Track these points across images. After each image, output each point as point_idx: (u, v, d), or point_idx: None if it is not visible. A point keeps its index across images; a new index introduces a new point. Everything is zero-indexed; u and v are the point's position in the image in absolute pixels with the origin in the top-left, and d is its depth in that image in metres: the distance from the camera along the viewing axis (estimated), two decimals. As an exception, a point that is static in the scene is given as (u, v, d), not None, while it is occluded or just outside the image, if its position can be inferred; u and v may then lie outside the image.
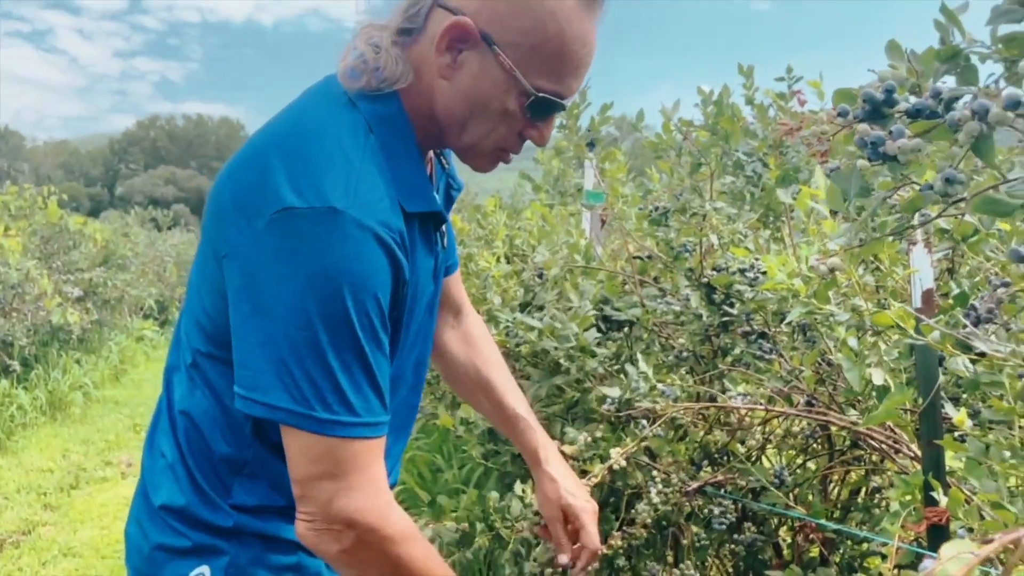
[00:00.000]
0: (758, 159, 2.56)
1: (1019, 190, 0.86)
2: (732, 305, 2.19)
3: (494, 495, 1.98)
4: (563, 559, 1.42)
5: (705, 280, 2.19)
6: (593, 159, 2.72)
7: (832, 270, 1.04)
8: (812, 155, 2.25)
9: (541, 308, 2.48)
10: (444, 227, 1.19)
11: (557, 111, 1.10)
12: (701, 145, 2.27)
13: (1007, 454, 1.28)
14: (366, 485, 1.01)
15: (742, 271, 2.08)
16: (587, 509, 1.42)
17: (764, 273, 2.05)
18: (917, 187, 0.93)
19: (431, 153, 1.22)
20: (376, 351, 1.00)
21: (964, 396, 1.70)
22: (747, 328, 2.10)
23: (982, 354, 0.98)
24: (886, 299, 1.88)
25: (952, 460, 1.61)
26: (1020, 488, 1.56)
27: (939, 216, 0.93)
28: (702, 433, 1.98)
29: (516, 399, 1.49)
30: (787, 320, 1.88)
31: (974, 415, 1.55)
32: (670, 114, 2.51)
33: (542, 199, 4.01)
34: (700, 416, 1.97)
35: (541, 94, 1.05)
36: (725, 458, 1.99)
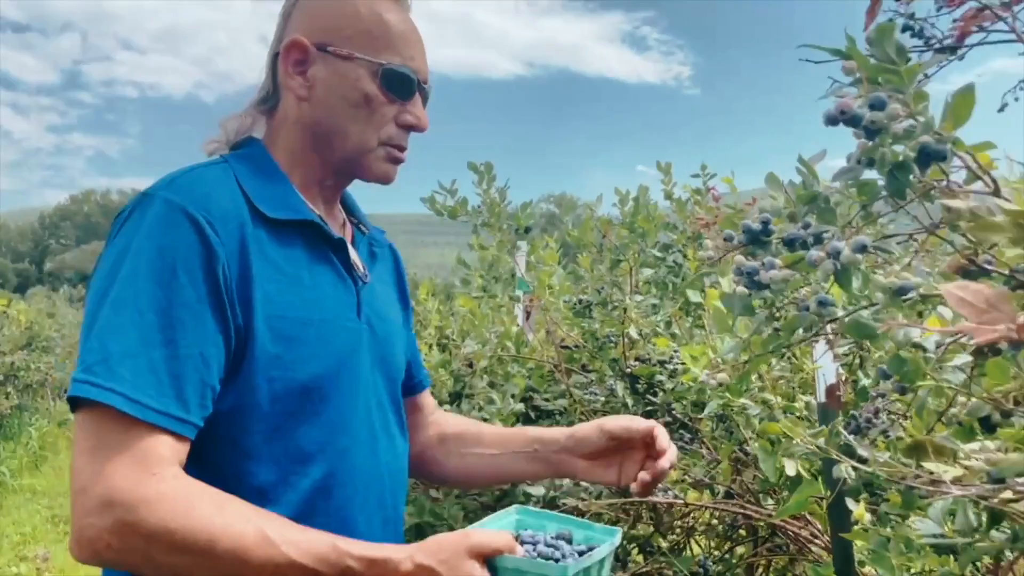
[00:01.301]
0: (678, 250, 2.67)
1: (882, 316, 0.94)
2: (656, 395, 2.26)
3: None
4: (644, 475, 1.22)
5: (628, 371, 2.26)
6: (521, 248, 2.80)
7: (720, 384, 1.09)
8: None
9: (471, 397, 2.51)
10: (358, 257, 1.23)
11: (412, 86, 1.16)
12: (621, 240, 2.37)
13: (903, 547, 1.34)
14: (126, 460, 0.91)
15: (662, 363, 2.15)
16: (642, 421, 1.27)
17: (683, 364, 2.13)
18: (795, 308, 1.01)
19: (343, 217, 1.27)
20: (192, 323, 0.97)
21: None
22: (668, 419, 2.16)
23: (864, 460, 1.05)
24: (796, 390, 1.96)
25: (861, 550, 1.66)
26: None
27: (812, 336, 1.00)
28: (626, 527, 2.01)
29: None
30: (705, 412, 1.94)
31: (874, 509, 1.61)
32: (594, 209, 2.62)
33: (478, 283, 4.06)
34: (623, 510, 2.00)
35: (387, 65, 1.13)
36: (649, 549, 2.02)
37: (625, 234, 2.39)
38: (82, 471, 0.91)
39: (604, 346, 2.29)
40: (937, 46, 1.04)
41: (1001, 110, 1.08)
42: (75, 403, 0.94)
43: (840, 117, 0.72)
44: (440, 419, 1.49)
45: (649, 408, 2.23)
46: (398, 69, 1.14)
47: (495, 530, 1.04)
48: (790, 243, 0.96)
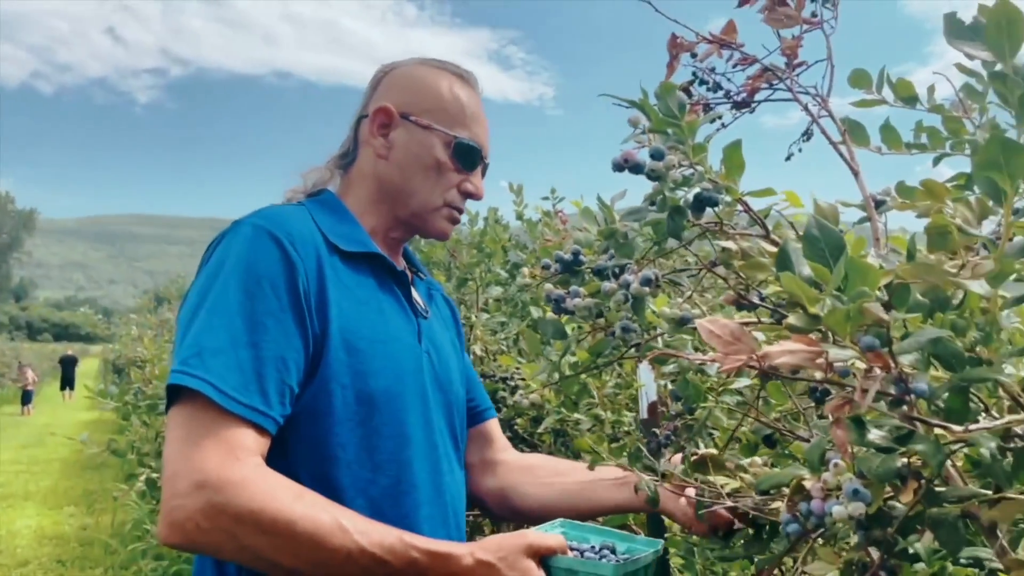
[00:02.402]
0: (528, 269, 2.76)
1: (676, 342, 1.03)
2: (499, 411, 2.33)
3: None
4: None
5: (473, 387, 2.31)
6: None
7: (533, 404, 1.16)
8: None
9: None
10: (419, 295, 1.35)
11: (478, 159, 1.31)
12: (470, 259, 2.43)
13: (708, 553, 1.46)
14: (214, 446, 0.98)
15: (504, 379, 2.22)
16: None
17: (524, 380, 2.21)
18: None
19: (405, 265, 1.38)
20: (275, 329, 1.06)
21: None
22: (510, 434, 2.23)
23: (664, 474, 1.15)
24: (626, 406, 2.08)
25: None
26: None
27: (619, 359, 1.09)
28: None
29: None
30: (541, 427, 2.03)
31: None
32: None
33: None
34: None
35: (460, 139, 1.28)
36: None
37: (474, 254, 2.45)
38: (173, 458, 0.99)
39: (451, 362, 2.34)
40: (735, 100, 1.16)
41: (788, 159, 1.21)
42: (172, 395, 1.02)
43: (624, 164, 0.80)
44: (519, 455, 1.52)
45: (492, 423, 2.30)
46: (467, 143, 1.29)
47: (549, 532, 1.11)
48: (599, 273, 1.05)
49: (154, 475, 5.14)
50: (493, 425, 1.52)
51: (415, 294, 1.34)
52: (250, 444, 1.02)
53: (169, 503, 0.97)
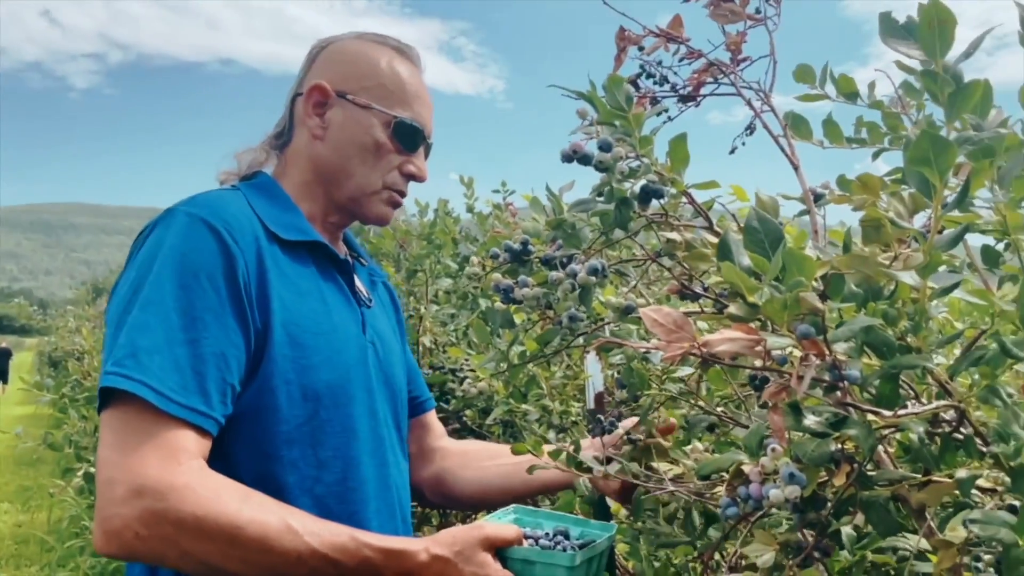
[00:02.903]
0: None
1: (623, 330, 1.05)
2: (448, 402, 2.33)
3: None
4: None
5: (422, 378, 2.31)
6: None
7: (481, 393, 1.17)
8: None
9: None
10: (361, 283, 1.31)
11: (420, 140, 1.26)
12: (420, 250, 2.42)
13: (653, 539, 1.48)
14: (153, 451, 0.94)
15: (453, 371, 2.22)
16: None
17: (473, 371, 2.22)
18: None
19: (346, 251, 1.33)
20: (214, 324, 1.02)
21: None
22: (458, 425, 2.24)
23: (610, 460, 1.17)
24: (574, 396, 2.11)
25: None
26: (681, 563, 1.80)
27: (567, 347, 1.10)
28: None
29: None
30: (490, 418, 2.04)
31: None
32: (396, 217, 2.65)
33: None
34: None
35: (399, 118, 1.23)
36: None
37: (423, 245, 2.45)
38: (108, 464, 0.94)
39: (399, 354, 2.33)
40: (681, 93, 1.18)
41: (732, 152, 1.23)
42: (105, 397, 0.98)
43: (573, 155, 0.81)
44: (456, 441, 1.51)
45: (441, 415, 2.30)
46: (408, 123, 1.24)
47: (504, 523, 1.09)
48: (546, 262, 1.06)
49: (92, 470, 5.01)
50: (432, 414, 1.51)
51: (358, 282, 1.30)
52: (191, 447, 0.97)
53: (105, 511, 0.92)
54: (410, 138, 1.25)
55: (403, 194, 1.30)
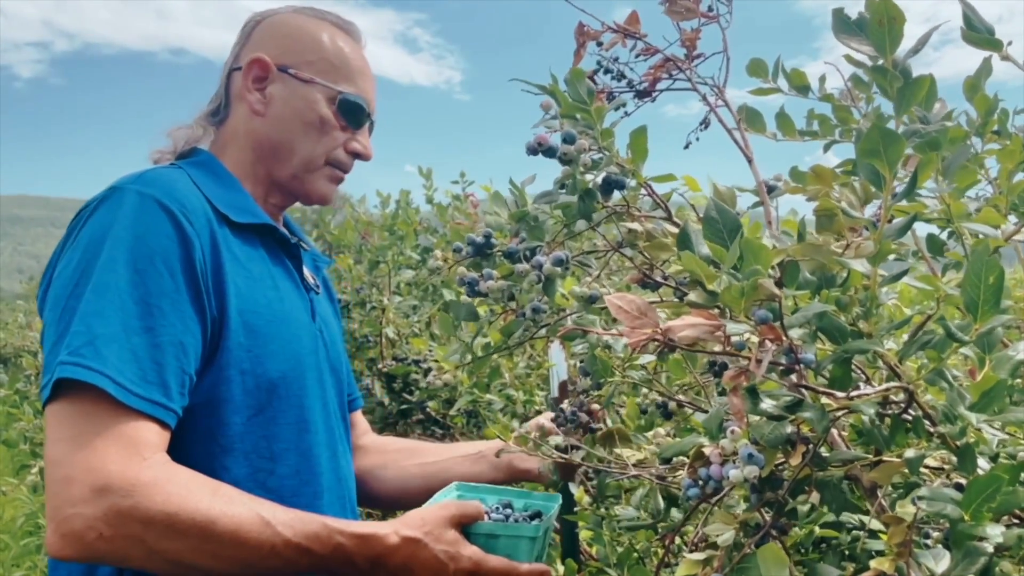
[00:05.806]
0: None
1: (586, 319, 1.07)
2: (412, 393, 2.34)
3: None
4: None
5: (385, 370, 2.32)
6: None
7: (445, 384, 1.18)
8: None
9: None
10: (307, 269, 1.27)
11: (365, 116, 1.23)
12: (381, 242, 2.42)
13: (615, 525, 1.51)
14: (114, 446, 0.89)
15: (417, 362, 2.23)
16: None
17: (436, 362, 2.23)
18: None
19: (286, 231, 1.27)
20: (172, 312, 0.98)
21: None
22: (422, 416, 2.25)
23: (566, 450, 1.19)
24: (538, 385, 2.13)
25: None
26: (643, 547, 1.84)
27: (530, 339, 1.12)
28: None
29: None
30: (453, 409, 2.05)
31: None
32: (356, 209, 2.65)
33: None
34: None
35: (344, 93, 1.20)
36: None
37: (385, 236, 2.44)
38: (63, 461, 0.88)
39: (362, 346, 2.33)
40: (638, 89, 1.20)
41: (686, 147, 1.26)
42: (58, 389, 0.92)
43: (538, 148, 0.83)
44: (377, 438, 1.49)
45: (405, 406, 2.31)
46: (353, 99, 1.21)
47: (467, 501, 1.11)
48: (510, 255, 1.07)
49: (47, 467, 4.91)
50: (359, 414, 1.50)
51: (305, 268, 1.27)
52: (153, 440, 0.93)
53: (63, 511, 0.86)
54: (355, 114, 1.22)
55: (346, 171, 1.27)
